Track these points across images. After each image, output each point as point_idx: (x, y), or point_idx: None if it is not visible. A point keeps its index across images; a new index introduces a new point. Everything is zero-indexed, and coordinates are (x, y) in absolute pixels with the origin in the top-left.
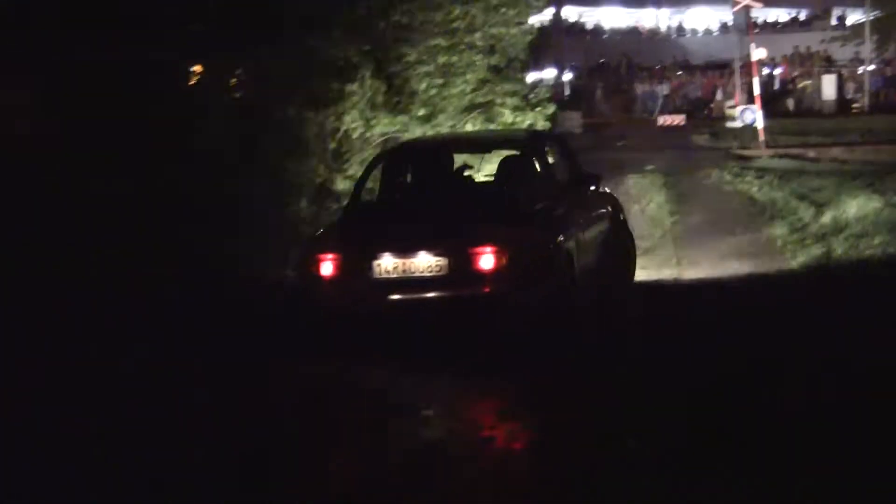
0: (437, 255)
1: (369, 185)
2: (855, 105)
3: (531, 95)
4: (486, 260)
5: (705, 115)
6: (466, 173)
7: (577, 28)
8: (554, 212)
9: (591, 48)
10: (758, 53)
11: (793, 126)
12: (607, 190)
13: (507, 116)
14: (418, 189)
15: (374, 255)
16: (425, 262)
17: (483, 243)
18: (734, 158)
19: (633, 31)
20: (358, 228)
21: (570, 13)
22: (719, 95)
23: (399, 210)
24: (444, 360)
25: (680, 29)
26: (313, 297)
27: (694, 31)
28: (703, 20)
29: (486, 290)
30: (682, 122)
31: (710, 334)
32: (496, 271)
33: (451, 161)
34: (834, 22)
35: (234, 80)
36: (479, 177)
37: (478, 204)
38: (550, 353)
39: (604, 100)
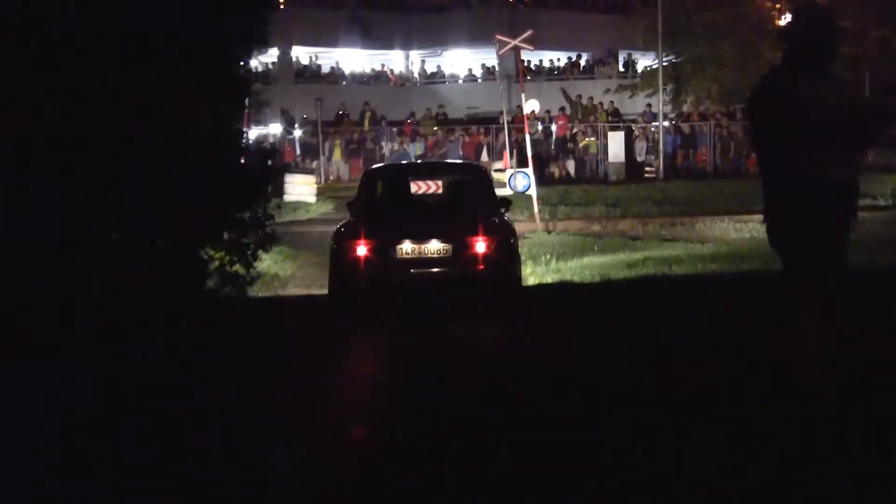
0: (444, 241)
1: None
2: (648, 168)
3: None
4: (480, 246)
5: None
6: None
7: (310, 72)
8: (506, 221)
9: (328, 97)
10: (530, 105)
11: (574, 194)
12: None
13: None
14: (399, 200)
15: (399, 241)
16: (435, 247)
17: (478, 234)
18: None
19: (380, 77)
20: (378, 223)
21: (300, 54)
22: (485, 157)
23: (399, 212)
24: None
25: (436, 75)
26: (350, 271)
27: (453, 78)
28: (464, 64)
29: (480, 267)
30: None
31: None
32: (487, 254)
33: (409, 182)
34: (621, 68)
35: None
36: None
37: (459, 210)
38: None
39: (343, 161)
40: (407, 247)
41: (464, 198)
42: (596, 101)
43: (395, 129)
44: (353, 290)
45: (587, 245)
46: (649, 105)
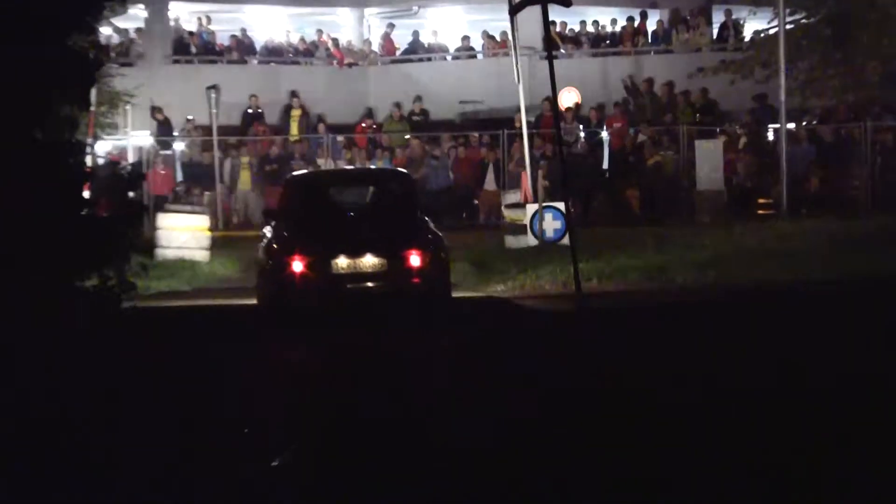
0: (379, 256)
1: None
2: (762, 200)
3: None
4: (415, 260)
5: (463, 220)
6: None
7: (199, 44)
8: (433, 230)
9: (230, 85)
10: (567, 98)
11: (636, 246)
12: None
13: None
14: (326, 211)
15: (334, 256)
16: (370, 262)
17: (413, 249)
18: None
19: (316, 53)
20: (310, 237)
21: (182, 14)
22: (490, 182)
23: (330, 225)
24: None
25: (410, 49)
26: (284, 287)
27: (437, 52)
28: (455, 30)
29: (416, 280)
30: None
31: None
32: (421, 268)
33: (332, 189)
34: (715, 35)
35: None
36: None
37: (389, 222)
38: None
39: (255, 190)
40: (342, 262)
41: (390, 208)
42: (677, 91)
43: (339, 139)
44: (287, 305)
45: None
46: (762, 96)
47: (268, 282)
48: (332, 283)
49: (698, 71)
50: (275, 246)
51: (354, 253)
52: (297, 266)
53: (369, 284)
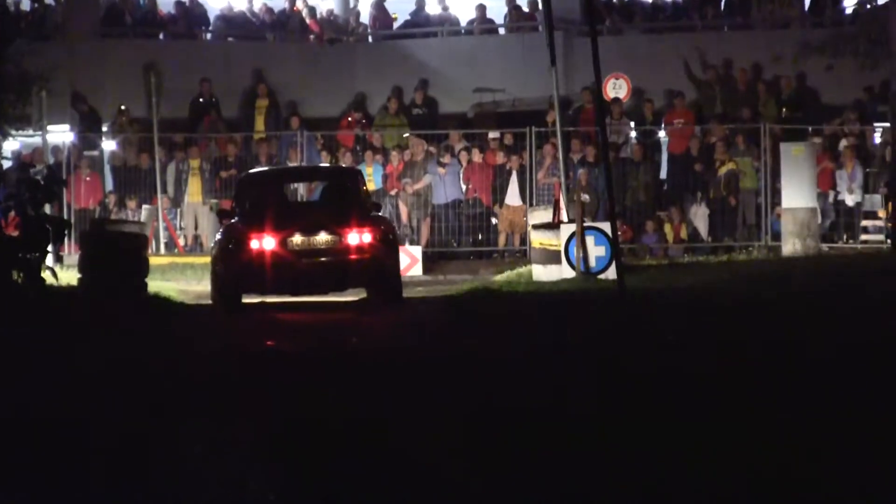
0: (330, 233)
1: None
2: (870, 224)
3: None
4: (365, 237)
5: (478, 244)
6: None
7: (137, 14)
8: (382, 217)
9: (177, 66)
10: (614, 88)
11: (705, 288)
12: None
13: None
14: (278, 200)
15: (291, 234)
16: (323, 238)
17: (361, 226)
18: None
19: (288, 25)
20: (268, 219)
21: None
22: (514, 198)
23: (283, 210)
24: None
25: (410, 21)
26: (244, 263)
27: (445, 26)
28: None
29: (366, 255)
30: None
31: None
32: (370, 244)
33: (285, 184)
34: (806, 8)
35: None
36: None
37: (339, 207)
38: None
39: (207, 204)
40: (298, 239)
41: (338, 198)
42: (756, 78)
43: (319, 137)
44: (251, 279)
45: None
46: (869, 89)
47: (228, 264)
48: (290, 257)
49: (786, 56)
50: (237, 229)
51: (309, 232)
52: (259, 244)
53: (322, 259)
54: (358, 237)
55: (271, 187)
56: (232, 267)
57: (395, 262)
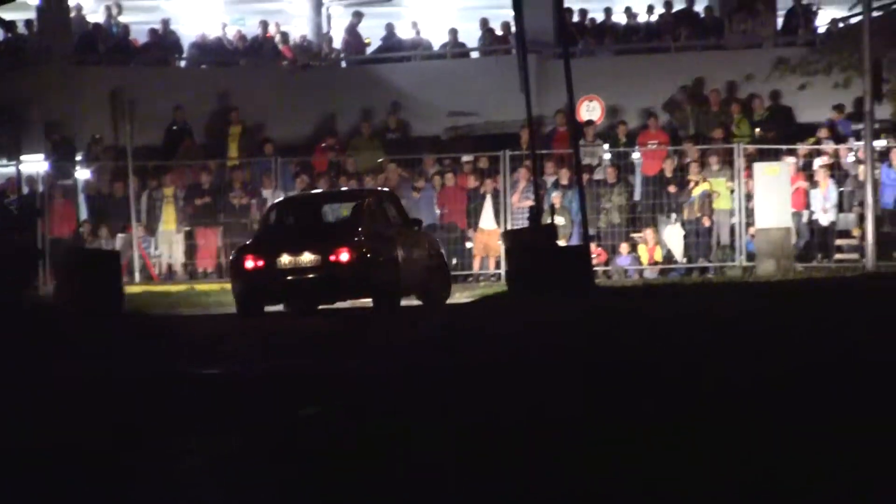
0: (313, 253)
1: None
2: (844, 242)
3: None
4: (342, 256)
5: (453, 267)
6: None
7: (108, 39)
8: (383, 235)
9: (149, 93)
10: (587, 110)
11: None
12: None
13: None
14: (297, 221)
15: (279, 254)
16: (307, 258)
17: (338, 247)
18: None
19: (261, 50)
20: (267, 242)
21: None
22: (489, 219)
23: (287, 233)
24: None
25: (384, 45)
26: (242, 279)
27: (419, 50)
28: (441, 21)
29: (342, 273)
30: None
31: None
32: (346, 263)
33: (318, 206)
34: (780, 25)
35: None
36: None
37: (332, 230)
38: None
39: (181, 233)
40: (285, 259)
41: (341, 221)
42: (729, 98)
43: (294, 163)
44: (251, 293)
45: None
46: (839, 108)
47: (234, 280)
48: (278, 275)
49: (759, 74)
50: (240, 248)
51: (295, 252)
52: (253, 263)
53: (308, 275)
54: (346, 255)
55: (287, 213)
56: (234, 281)
57: (389, 278)
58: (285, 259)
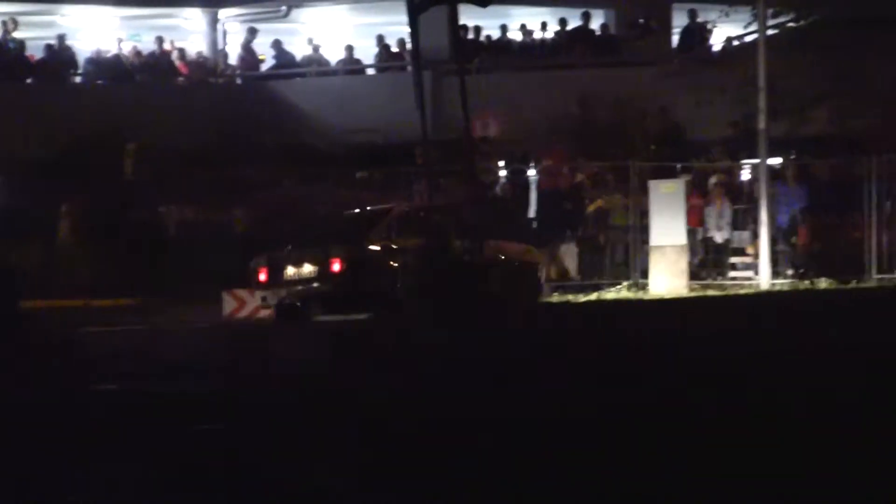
0: (312, 264)
1: None
2: (739, 261)
3: None
4: (335, 266)
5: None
6: None
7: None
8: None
9: (43, 111)
10: (483, 127)
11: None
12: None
13: None
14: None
15: (284, 266)
16: (307, 268)
17: (332, 258)
18: None
19: (157, 66)
20: (275, 255)
21: None
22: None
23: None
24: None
25: (280, 62)
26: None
27: (315, 66)
28: (338, 37)
29: (335, 282)
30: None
31: None
32: (339, 272)
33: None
34: (676, 41)
35: None
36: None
37: (331, 244)
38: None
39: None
40: (290, 270)
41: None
42: (623, 115)
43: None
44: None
45: None
46: (736, 123)
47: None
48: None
49: (656, 91)
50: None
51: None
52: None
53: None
54: (337, 266)
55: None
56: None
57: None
58: (290, 269)
